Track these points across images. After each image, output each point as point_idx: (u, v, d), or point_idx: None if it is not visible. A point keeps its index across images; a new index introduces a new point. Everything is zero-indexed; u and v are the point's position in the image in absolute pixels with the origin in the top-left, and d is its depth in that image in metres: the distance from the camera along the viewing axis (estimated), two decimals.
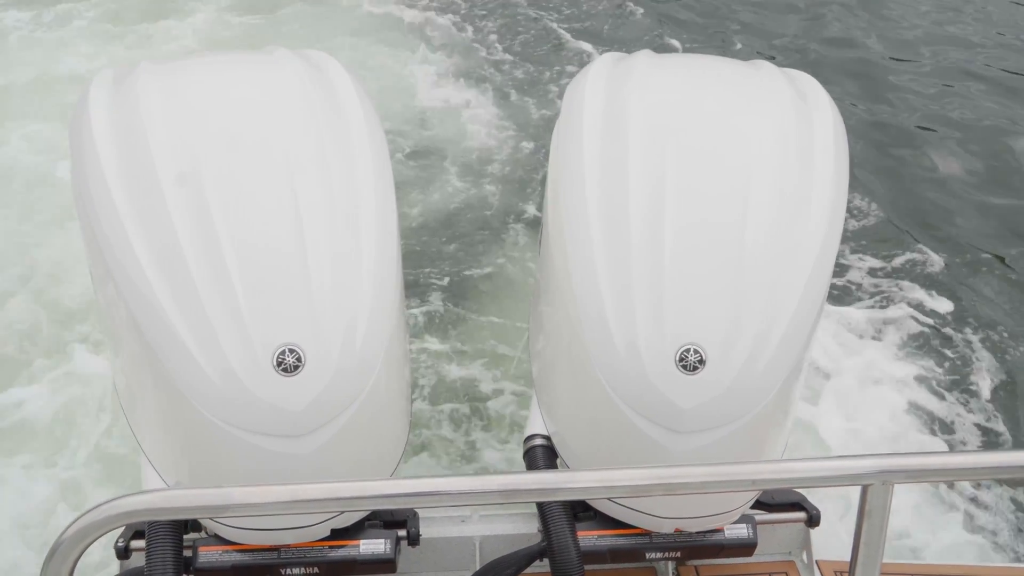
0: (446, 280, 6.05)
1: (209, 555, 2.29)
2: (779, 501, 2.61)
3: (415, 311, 5.61)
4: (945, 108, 8.45)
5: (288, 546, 2.29)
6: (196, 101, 2.33)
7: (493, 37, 9.46)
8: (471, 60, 9.01)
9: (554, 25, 9.77)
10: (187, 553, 2.29)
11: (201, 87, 2.40)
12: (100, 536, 1.60)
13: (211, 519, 2.27)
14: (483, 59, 9.06)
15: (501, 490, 1.70)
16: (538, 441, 2.52)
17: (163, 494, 1.66)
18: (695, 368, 2.09)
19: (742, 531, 2.44)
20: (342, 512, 2.27)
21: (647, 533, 2.40)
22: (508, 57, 9.12)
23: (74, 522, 1.58)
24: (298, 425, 2.03)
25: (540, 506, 2.41)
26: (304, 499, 1.66)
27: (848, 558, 2.83)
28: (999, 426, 5.21)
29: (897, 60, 9.29)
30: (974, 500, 4.67)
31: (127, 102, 2.29)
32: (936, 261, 6.48)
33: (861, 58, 9.32)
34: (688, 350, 2.09)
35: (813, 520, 2.63)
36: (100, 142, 2.22)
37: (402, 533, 2.40)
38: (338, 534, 2.31)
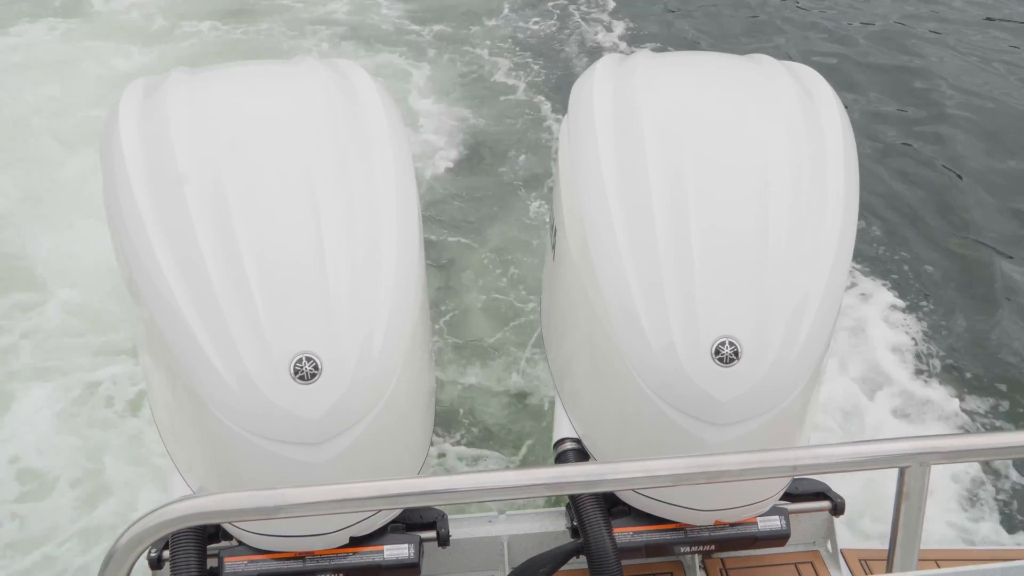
0: (447, 287, 6.05)
1: (235, 565, 2.30)
2: (804, 491, 2.63)
3: None
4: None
5: (313, 553, 2.30)
6: (222, 112, 2.35)
7: (489, 43, 9.50)
8: (468, 61, 9.05)
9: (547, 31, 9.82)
10: (213, 563, 2.30)
11: (228, 98, 2.42)
12: (153, 543, 1.60)
13: (236, 527, 2.29)
14: (478, 60, 9.09)
15: (546, 483, 1.71)
16: (569, 445, 2.54)
17: (216, 498, 1.64)
18: (731, 360, 2.12)
19: (775, 522, 2.46)
20: (377, 512, 2.28)
21: (682, 527, 2.42)
22: (507, 59, 9.16)
23: (127, 529, 1.58)
24: (315, 433, 2.05)
25: (575, 504, 2.43)
26: (357, 497, 1.67)
27: (873, 547, 2.87)
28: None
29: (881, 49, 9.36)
30: (1014, 480, 4.70)
31: (156, 113, 2.32)
32: (945, 250, 6.54)
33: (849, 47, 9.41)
34: (723, 343, 2.12)
35: (838, 509, 2.65)
36: (128, 152, 2.25)
37: (428, 535, 2.42)
38: (363, 539, 2.32)
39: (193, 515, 1.61)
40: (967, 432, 4.46)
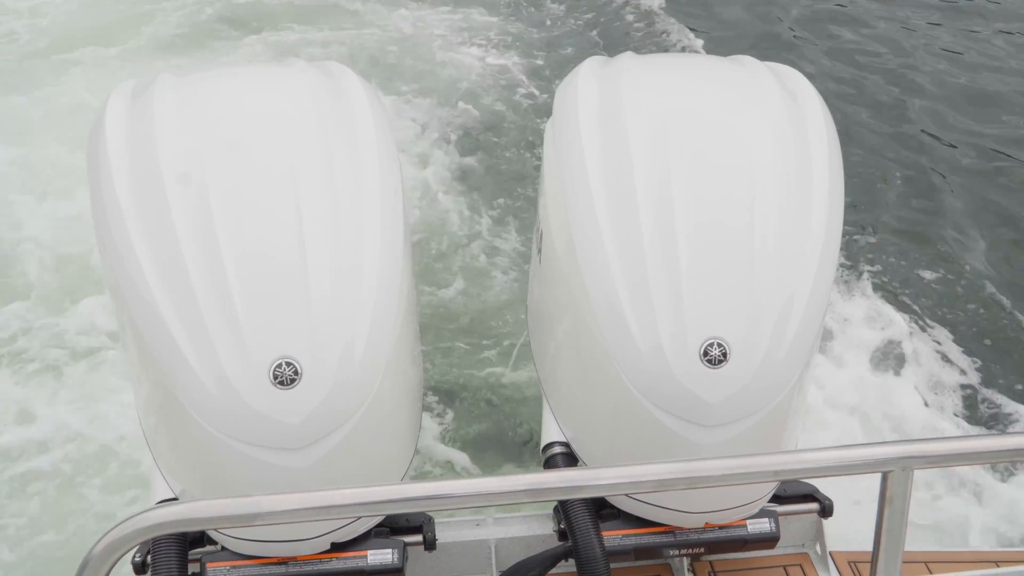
0: (434, 291, 6.04)
1: (217, 571, 2.29)
2: (792, 493, 2.62)
3: None
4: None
5: (296, 558, 2.29)
6: (208, 115, 2.35)
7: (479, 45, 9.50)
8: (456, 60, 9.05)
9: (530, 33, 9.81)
10: (195, 568, 2.30)
11: (215, 101, 2.42)
12: (129, 550, 1.58)
13: (218, 531, 2.27)
14: (466, 60, 9.09)
15: (527, 489, 1.70)
16: (557, 449, 2.52)
17: (191, 505, 1.64)
18: (719, 362, 2.11)
19: (764, 525, 2.46)
20: (358, 518, 2.27)
21: (671, 530, 2.41)
22: (488, 59, 9.15)
23: (103, 537, 1.57)
24: (295, 438, 2.04)
25: (564, 507, 2.42)
26: (335, 504, 1.66)
27: (861, 548, 2.86)
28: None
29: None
30: (993, 484, 4.71)
31: (143, 115, 2.32)
32: (937, 246, 6.59)
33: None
34: (711, 344, 2.12)
35: (826, 510, 2.64)
36: (114, 153, 2.25)
37: (414, 539, 2.41)
38: (346, 544, 2.31)
39: (168, 523, 1.60)
40: (950, 437, 4.48)
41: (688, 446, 2.15)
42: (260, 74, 2.62)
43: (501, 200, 7.00)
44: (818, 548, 2.82)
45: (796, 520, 2.78)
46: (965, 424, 5.12)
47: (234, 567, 2.29)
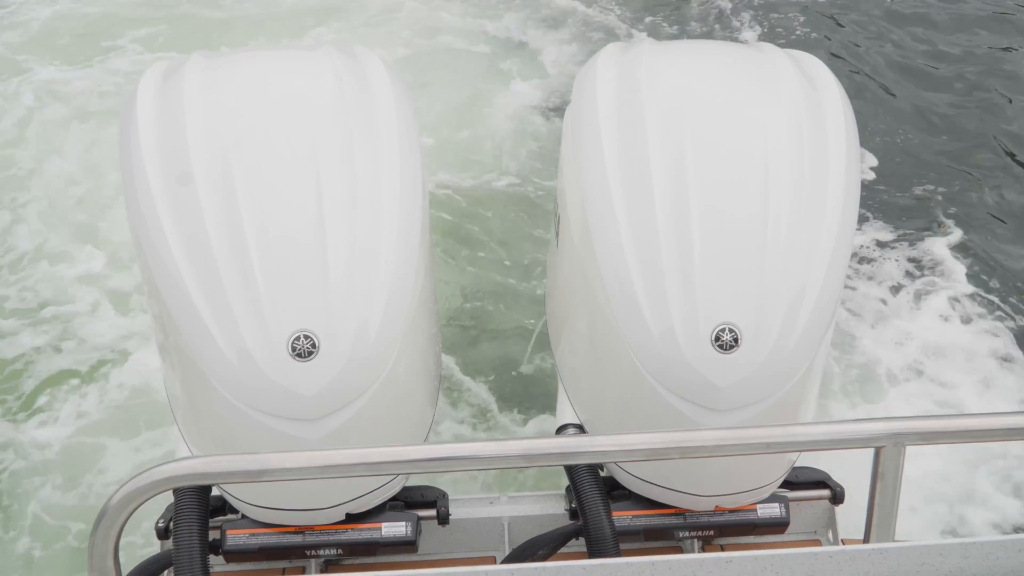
0: (455, 276, 6.06)
1: (237, 538, 2.39)
2: (804, 479, 2.65)
3: None
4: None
5: (312, 528, 2.37)
6: (235, 96, 2.42)
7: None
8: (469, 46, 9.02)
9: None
10: (216, 535, 2.38)
11: (242, 82, 2.49)
12: (144, 501, 1.68)
13: (238, 500, 2.35)
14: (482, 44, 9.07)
15: (524, 454, 1.76)
16: (571, 431, 2.57)
17: (203, 460, 1.73)
18: (731, 347, 2.14)
19: (774, 510, 2.48)
20: (374, 490, 2.34)
21: (681, 512, 2.45)
22: (508, 43, 9.13)
23: (119, 489, 1.66)
24: (311, 409, 2.11)
25: (575, 487, 2.45)
26: (339, 464, 1.74)
27: None
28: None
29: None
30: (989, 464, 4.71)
31: (173, 94, 2.39)
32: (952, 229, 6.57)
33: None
34: (723, 329, 2.14)
35: (837, 497, 2.66)
36: (144, 131, 2.32)
37: (427, 514, 2.48)
38: (362, 516, 2.38)
39: (181, 476, 1.69)
40: (944, 414, 4.45)
41: None
42: (287, 57, 2.69)
43: (519, 186, 7.01)
44: (830, 535, 2.84)
45: (808, 507, 2.79)
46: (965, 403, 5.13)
47: (253, 535, 2.38)
